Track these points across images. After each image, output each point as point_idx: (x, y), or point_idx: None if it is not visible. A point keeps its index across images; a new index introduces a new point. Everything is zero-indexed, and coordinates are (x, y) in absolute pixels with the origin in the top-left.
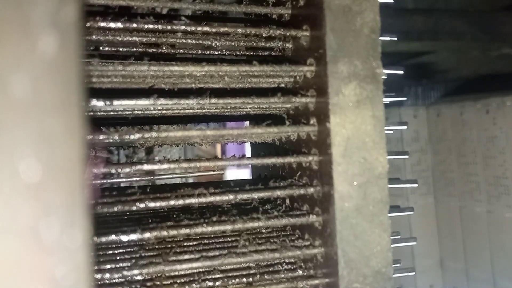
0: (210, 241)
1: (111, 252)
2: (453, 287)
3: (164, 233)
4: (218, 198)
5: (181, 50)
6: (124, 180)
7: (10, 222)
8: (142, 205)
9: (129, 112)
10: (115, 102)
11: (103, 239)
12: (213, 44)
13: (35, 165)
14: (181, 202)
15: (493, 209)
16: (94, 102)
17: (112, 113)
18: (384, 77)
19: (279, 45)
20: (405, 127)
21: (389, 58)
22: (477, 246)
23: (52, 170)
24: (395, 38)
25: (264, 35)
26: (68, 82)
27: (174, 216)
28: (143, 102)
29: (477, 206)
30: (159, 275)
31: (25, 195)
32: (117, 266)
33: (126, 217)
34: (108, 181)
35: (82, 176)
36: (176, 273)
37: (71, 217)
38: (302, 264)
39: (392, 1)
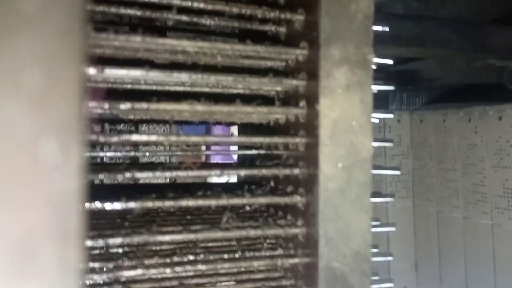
0: (194, 217)
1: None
2: None
3: (149, 204)
4: (205, 172)
5: (175, 26)
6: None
7: (10, 133)
8: (129, 175)
9: (119, 85)
10: (107, 71)
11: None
12: (208, 23)
13: (38, 79)
14: (167, 174)
15: (469, 215)
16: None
17: (101, 84)
18: (374, 67)
19: (272, 28)
20: (391, 115)
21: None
22: (452, 251)
23: (52, 88)
24: (387, 29)
25: (259, 16)
26: (72, 8)
27: (160, 190)
28: (135, 73)
29: (454, 212)
30: (141, 247)
31: (26, 107)
32: (100, 233)
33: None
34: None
35: (80, 100)
36: (158, 247)
37: (68, 139)
38: (283, 243)
39: None
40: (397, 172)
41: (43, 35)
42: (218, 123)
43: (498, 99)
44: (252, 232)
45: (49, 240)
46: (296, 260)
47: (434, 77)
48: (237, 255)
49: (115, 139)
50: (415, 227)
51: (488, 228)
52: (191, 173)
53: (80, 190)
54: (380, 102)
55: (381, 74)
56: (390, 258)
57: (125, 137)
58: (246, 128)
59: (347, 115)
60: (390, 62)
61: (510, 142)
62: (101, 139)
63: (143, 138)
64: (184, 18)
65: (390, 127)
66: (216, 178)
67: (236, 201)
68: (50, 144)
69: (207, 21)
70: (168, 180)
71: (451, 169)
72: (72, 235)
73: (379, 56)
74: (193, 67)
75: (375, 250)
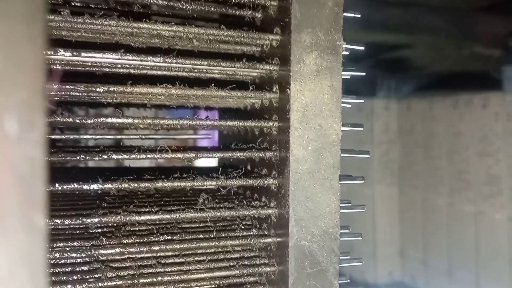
0: (171, 199)
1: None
2: (411, 275)
3: (126, 185)
4: (179, 155)
5: (152, 11)
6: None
7: None
8: (105, 156)
9: (96, 69)
10: (83, 54)
11: (65, 186)
12: (184, 7)
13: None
14: (143, 156)
15: (453, 202)
16: (62, 52)
17: (80, 68)
18: (346, 52)
19: (249, 13)
20: (362, 100)
21: (366, 50)
22: (436, 237)
23: (14, 69)
24: (359, 15)
25: (234, 1)
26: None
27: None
28: (110, 56)
29: (439, 199)
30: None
31: None
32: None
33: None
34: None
35: (41, 79)
36: (137, 228)
37: (30, 113)
38: (258, 224)
39: None
40: (367, 156)
41: (5, 20)
42: (207, 108)
43: (483, 87)
44: (226, 213)
45: (16, 205)
46: (268, 240)
47: (422, 64)
48: (212, 235)
49: (90, 121)
50: (401, 214)
51: (471, 215)
52: (165, 155)
53: (43, 159)
54: (368, 88)
55: (370, 61)
56: (359, 238)
57: (101, 119)
58: (226, 113)
59: (317, 99)
60: (361, 48)
61: (494, 130)
62: (77, 121)
63: (119, 120)
64: (161, 2)
65: (378, 114)
66: (202, 161)
67: (210, 183)
68: (13, 118)
69: (183, 5)
70: (153, 164)
71: (437, 157)
72: (38, 200)
73: (366, 43)
74: (169, 50)
75: (345, 230)
